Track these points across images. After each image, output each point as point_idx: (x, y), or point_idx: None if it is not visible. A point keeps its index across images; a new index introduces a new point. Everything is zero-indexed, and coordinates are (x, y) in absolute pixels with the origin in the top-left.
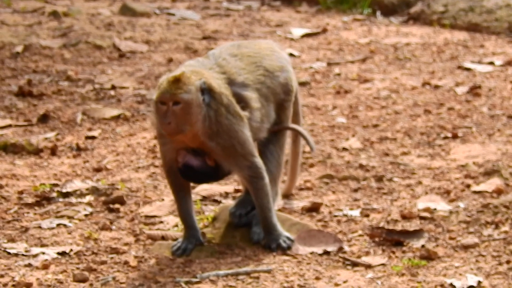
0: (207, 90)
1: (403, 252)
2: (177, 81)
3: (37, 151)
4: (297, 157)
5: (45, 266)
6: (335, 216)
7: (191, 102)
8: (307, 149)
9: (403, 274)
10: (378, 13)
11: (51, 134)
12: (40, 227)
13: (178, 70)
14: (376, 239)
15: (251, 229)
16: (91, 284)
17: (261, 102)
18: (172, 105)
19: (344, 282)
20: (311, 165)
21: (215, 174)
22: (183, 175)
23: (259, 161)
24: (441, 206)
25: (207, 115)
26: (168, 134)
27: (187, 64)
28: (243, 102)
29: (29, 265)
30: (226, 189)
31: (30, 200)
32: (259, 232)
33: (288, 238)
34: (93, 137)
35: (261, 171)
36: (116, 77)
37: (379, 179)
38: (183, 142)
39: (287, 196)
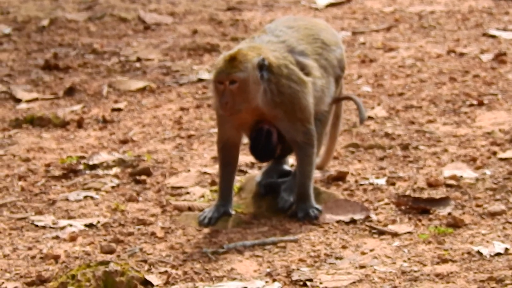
0: (265, 66)
1: (430, 220)
2: (233, 60)
3: (63, 124)
4: (335, 135)
5: (73, 238)
6: (361, 185)
7: (247, 80)
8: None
9: (429, 242)
10: None
11: (77, 107)
12: (67, 199)
13: (235, 48)
14: (402, 207)
15: (278, 196)
16: (118, 256)
17: (321, 72)
18: (229, 84)
19: (371, 250)
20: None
21: (272, 150)
22: (253, 139)
23: (313, 129)
24: (467, 173)
25: (268, 89)
26: (226, 113)
27: (243, 42)
28: (305, 69)
29: (57, 237)
30: (252, 159)
31: (57, 172)
32: (286, 198)
33: (317, 209)
34: (119, 109)
35: (313, 139)
36: (141, 49)
37: (405, 147)
38: (243, 118)
39: (320, 169)
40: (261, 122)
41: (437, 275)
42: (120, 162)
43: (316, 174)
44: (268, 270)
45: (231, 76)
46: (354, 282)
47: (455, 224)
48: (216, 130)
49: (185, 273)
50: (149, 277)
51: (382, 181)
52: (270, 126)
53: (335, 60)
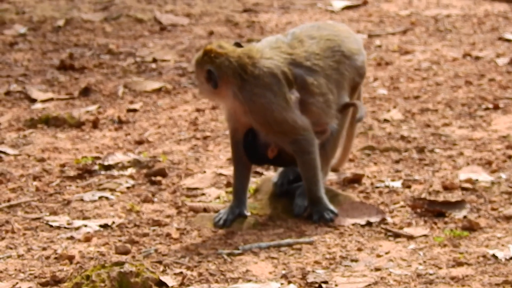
0: (214, 75)
1: (445, 223)
2: (202, 54)
3: (79, 124)
4: (352, 137)
5: (87, 239)
6: (377, 187)
7: (200, 78)
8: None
9: (445, 245)
10: None
11: (92, 107)
12: (82, 200)
13: (217, 45)
14: (418, 210)
15: (293, 201)
16: (133, 256)
17: (330, 88)
18: None
19: (386, 253)
20: None
21: (264, 161)
22: (244, 137)
23: (304, 137)
24: (483, 177)
25: (239, 95)
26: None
27: (264, 39)
28: (303, 86)
29: (72, 237)
30: None
31: (72, 173)
32: (300, 204)
33: (332, 212)
34: (134, 110)
35: (305, 146)
36: (157, 50)
37: (421, 150)
38: (235, 119)
39: (335, 170)
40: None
41: (452, 278)
42: (136, 163)
43: (332, 176)
44: (283, 272)
45: (193, 67)
46: (369, 285)
47: (471, 227)
48: None
49: (200, 274)
50: (164, 278)
51: (397, 184)
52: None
53: (354, 70)
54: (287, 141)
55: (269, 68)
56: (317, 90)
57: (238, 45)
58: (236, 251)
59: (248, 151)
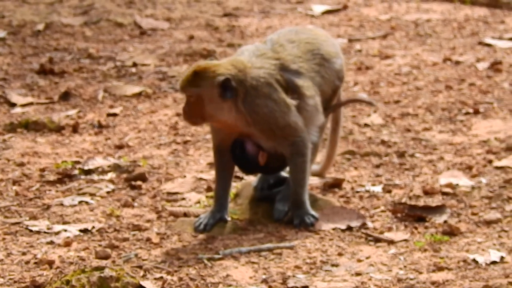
0: (230, 86)
1: (426, 227)
2: (194, 74)
3: (58, 129)
4: (335, 144)
5: (67, 244)
6: (357, 192)
7: (202, 97)
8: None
9: (425, 250)
10: None
11: (72, 112)
12: (62, 204)
13: (207, 62)
14: (399, 215)
15: (274, 206)
16: (113, 261)
17: (316, 90)
18: (187, 96)
19: (367, 258)
20: None
21: (256, 169)
22: (232, 154)
23: (302, 139)
24: (463, 181)
25: (241, 107)
26: (185, 121)
27: (239, 51)
28: (295, 89)
29: (51, 242)
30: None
31: (52, 177)
32: (281, 209)
33: (313, 216)
34: (114, 114)
35: (302, 149)
36: (137, 54)
37: (401, 155)
38: (224, 131)
39: (320, 176)
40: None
41: (433, 283)
42: (116, 167)
43: (313, 180)
44: (263, 276)
45: (186, 90)
46: None
47: (451, 232)
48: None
49: (180, 279)
50: (144, 283)
51: (378, 189)
52: (246, 138)
53: (333, 73)
54: (286, 144)
55: (264, 78)
56: (307, 92)
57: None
58: (217, 256)
59: (239, 162)
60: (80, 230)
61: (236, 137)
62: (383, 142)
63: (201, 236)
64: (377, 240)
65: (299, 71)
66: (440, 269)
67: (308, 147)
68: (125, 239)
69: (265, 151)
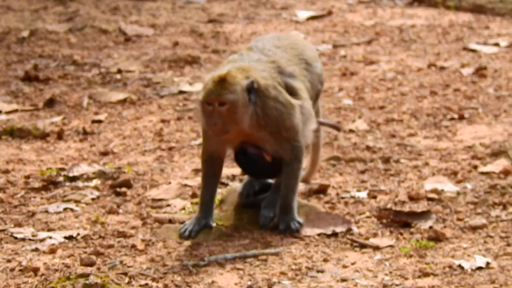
0: (254, 89)
1: (411, 233)
2: (222, 81)
3: (43, 136)
4: (318, 149)
5: (52, 251)
6: (343, 198)
7: (237, 102)
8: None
9: (411, 256)
10: None
11: (57, 119)
12: (47, 211)
13: (224, 68)
14: (384, 221)
15: (259, 212)
16: (98, 268)
17: (307, 93)
18: (218, 105)
19: (352, 263)
20: None
21: (268, 170)
22: (237, 161)
23: (300, 145)
24: (449, 187)
25: (254, 112)
26: (214, 134)
27: (231, 59)
28: (292, 92)
29: (36, 249)
30: (233, 172)
31: (36, 184)
32: (267, 215)
33: (299, 223)
34: (99, 121)
35: (300, 155)
36: (122, 61)
37: (386, 160)
38: (228, 138)
39: (304, 182)
40: (244, 143)
41: None
42: (101, 174)
43: (299, 187)
44: (249, 283)
45: (221, 98)
46: None
47: (437, 237)
48: (197, 142)
49: (165, 286)
50: None
51: (363, 194)
52: (248, 146)
53: (316, 77)
54: (288, 148)
55: (269, 80)
56: (303, 95)
57: None
58: (202, 262)
59: (249, 167)
60: (65, 237)
61: (234, 145)
62: (368, 147)
63: (186, 242)
64: (363, 246)
65: (293, 74)
66: (426, 275)
67: (304, 153)
68: (110, 246)
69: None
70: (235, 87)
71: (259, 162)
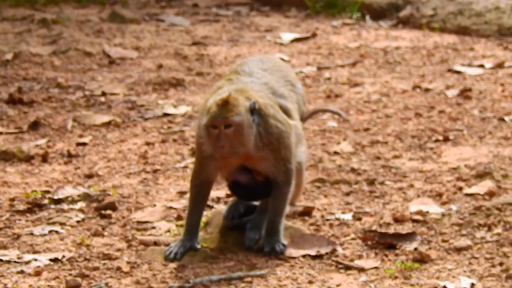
0: (256, 109)
1: (396, 255)
2: (226, 104)
3: (28, 158)
4: (302, 171)
5: (38, 273)
6: (328, 220)
7: (242, 123)
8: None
9: (396, 277)
10: (367, 17)
11: (42, 141)
12: (32, 233)
13: (224, 92)
14: (369, 243)
15: (244, 234)
16: None
17: (296, 114)
18: (224, 128)
19: (337, 285)
20: None
21: (265, 190)
22: (234, 193)
23: (292, 168)
24: (433, 208)
25: (257, 131)
26: (222, 157)
27: (220, 84)
28: (287, 113)
29: (22, 272)
30: (218, 194)
31: (21, 207)
32: (252, 237)
33: (283, 245)
34: (84, 144)
35: (291, 178)
36: (106, 83)
37: (371, 182)
38: (229, 162)
39: (289, 204)
40: (244, 168)
41: None
42: (85, 197)
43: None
44: None
45: (227, 120)
46: None
47: (422, 259)
48: (182, 165)
49: None
50: None
51: (348, 216)
52: (238, 176)
53: (300, 97)
54: (283, 171)
55: (267, 99)
56: (295, 116)
57: None
58: (187, 285)
59: (246, 195)
60: (50, 260)
61: (230, 170)
62: (353, 169)
63: (171, 264)
64: (348, 267)
65: (284, 95)
66: None
67: (294, 176)
68: (96, 268)
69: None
70: (239, 109)
71: (253, 186)
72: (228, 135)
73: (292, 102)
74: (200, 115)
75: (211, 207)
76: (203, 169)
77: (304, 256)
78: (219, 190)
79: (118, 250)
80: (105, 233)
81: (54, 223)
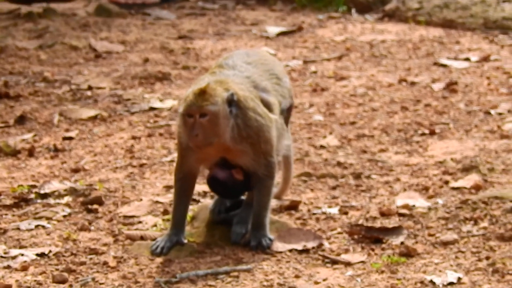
0: (234, 101)
1: (383, 249)
2: (203, 93)
3: (14, 153)
4: (290, 165)
5: (24, 268)
6: (314, 214)
7: (217, 113)
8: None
9: (382, 271)
10: (353, 10)
11: (28, 136)
12: (18, 228)
13: (203, 82)
14: (355, 237)
15: (231, 229)
16: (70, 285)
17: (279, 108)
18: (199, 117)
19: (324, 280)
20: None
21: (242, 189)
22: (211, 188)
23: (274, 161)
24: (420, 202)
25: (235, 123)
26: (196, 146)
27: (207, 75)
28: (268, 107)
29: (8, 266)
30: (205, 188)
31: (8, 201)
32: (238, 232)
33: (270, 239)
34: (70, 138)
35: (273, 171)
36: (93, 77)
37: (357, 176)
38: (207, 153)
39: (277, 198)
40: (224, 165)
41: None
42: (72, 191)
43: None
44: None
45: (202, 109)
46: None
47: (408, 253)
48: (168, 159)
49: None
50: None
51: (334, 210)
52: (216, 172)
53: (286, 91)
54: (263, 164)
55: (247, 93)
56: (277, 110)
57: None
58: (174, 279)
59: (224, 193)
60: (37, 254)
61: (211, 163)
62: (339, 163)
63: (158, 259)
64: (334, 262)
65: (266, 89)
66: None
67: (276, 170)
68: (82, 263)
69: (236, 167)
70: (216, 99)
71: (231, 184)
72: (203, 124)
73: (275, 96)
74: (180, 106)
75: (197, 201)
76: (184, 162)
77: (290, 250)
78: (206, 185)
79: (105, 244)
80: (92, 228)
81: (40, 218)
